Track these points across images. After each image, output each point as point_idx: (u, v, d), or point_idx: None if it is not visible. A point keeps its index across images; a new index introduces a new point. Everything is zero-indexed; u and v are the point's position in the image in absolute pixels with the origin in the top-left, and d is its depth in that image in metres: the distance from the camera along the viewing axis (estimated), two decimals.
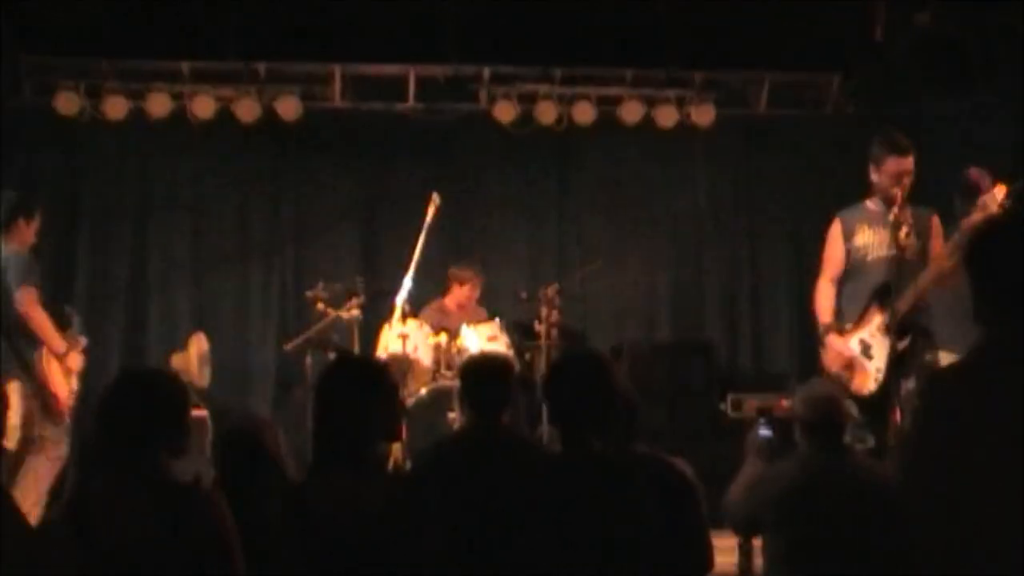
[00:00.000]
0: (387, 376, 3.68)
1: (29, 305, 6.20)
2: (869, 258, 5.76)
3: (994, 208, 5.30)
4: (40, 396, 6.14)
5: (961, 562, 2.45)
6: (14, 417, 5.96)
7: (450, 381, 7.09)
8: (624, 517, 3.39)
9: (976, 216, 5.31)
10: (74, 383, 6.33)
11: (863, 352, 5.65)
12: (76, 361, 6.35)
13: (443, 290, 8.00)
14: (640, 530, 3.37)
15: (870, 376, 5.59)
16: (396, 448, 6.58)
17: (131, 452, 3.20)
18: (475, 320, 7.61)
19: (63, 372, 6.27)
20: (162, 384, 3.35)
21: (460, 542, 3.68)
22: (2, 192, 6.53)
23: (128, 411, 3.23)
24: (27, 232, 6.44)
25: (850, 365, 5.64)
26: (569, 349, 7.49)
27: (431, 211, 7.35)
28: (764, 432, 4.49)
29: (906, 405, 5.30)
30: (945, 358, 5.88)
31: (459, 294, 7.93)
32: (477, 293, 7.99)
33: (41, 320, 6.24)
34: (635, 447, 3.54)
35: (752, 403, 7.49)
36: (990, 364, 2.51)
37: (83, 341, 6.54)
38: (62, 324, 6.45)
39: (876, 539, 3.80)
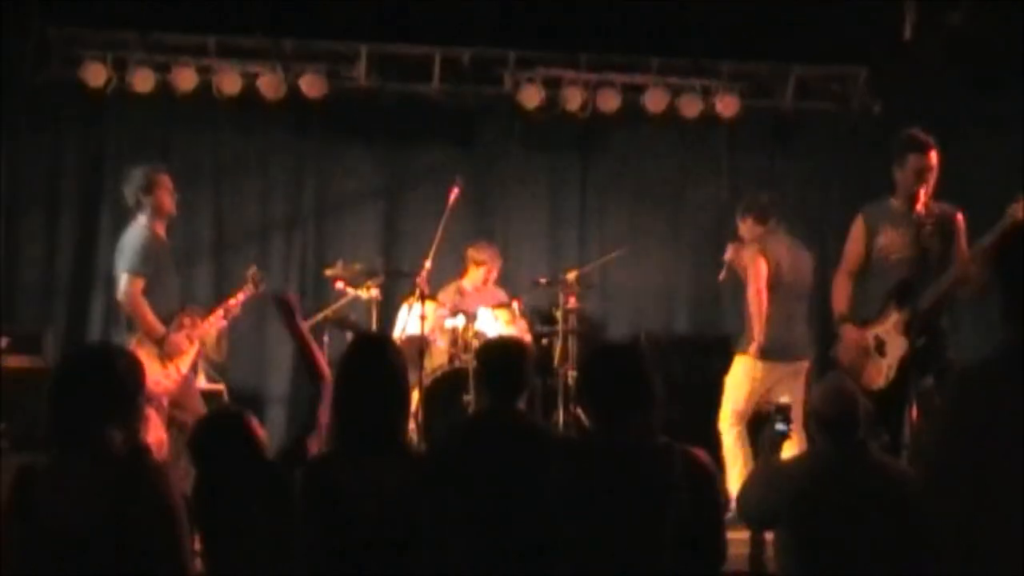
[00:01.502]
0: (401, 356, 3.70)
1: (127, 292, 6.33)
2: (892, 257, 5.78)
3: (1020, 215, 5.32)
4: None
5: (983, 560, 2.46)
6: None
7: (466, 363, 7.12)
8: (652, 505, 3.41)
9: (1005, 222, 5.33)
10: (178, 368, 6.37)
11: (877, 348, 5.67)
12: (174, 344, 6.37)
13: (461, 271, 8.02)
14: (666, 519, 3.39)
15: (881, 372, 5.61)
16: (411, 429, 6.61)
17: (77, 428, 3.18)
18: (493, 303, 7.63)
19: (159, 358, 6.33)
20: (110, 360, 3.32)
21: (477, 524, 3.70)
22: (132, 170, 6.59)
23: (74, 388, 3.22)
24: (156, 202, 6.46)
25: (863, 357, 5.66)
26: (602, 338, 7.52)
27: (453, 193, 7.36)
28: (780, 427, 4.50)
29: (923, 403, 5.32)
30: None
31: (476, 276, 7.94)
32: (495, 275, 8.00)
33: (135, 306, 6.34)
34: (658, 437, 3.56)
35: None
36: (1016, 364, 2.52)
37: (209, 321, 6.59)
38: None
39: (891, 535, 3.81)
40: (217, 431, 3.80)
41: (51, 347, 7.41)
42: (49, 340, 7.44)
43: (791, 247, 7.06)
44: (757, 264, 6.92)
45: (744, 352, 6.94)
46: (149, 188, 6.44)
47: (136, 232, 6.43)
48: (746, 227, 7.09)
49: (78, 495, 3.09)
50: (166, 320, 6.41)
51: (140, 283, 6.32)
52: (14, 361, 7.11)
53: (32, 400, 6.96)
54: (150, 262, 6.36)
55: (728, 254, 7.13)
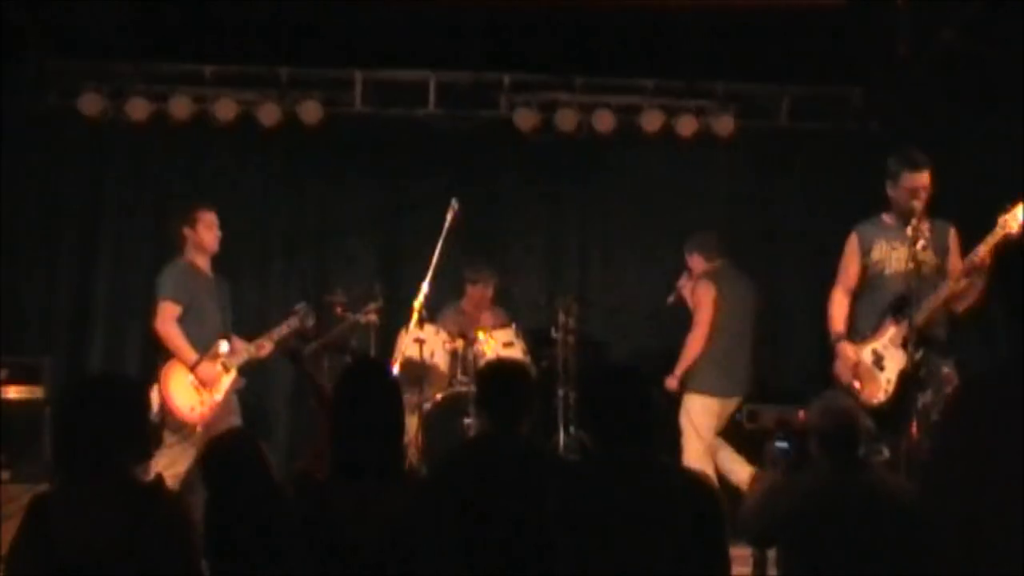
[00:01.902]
0: (396, 380, 3.71)
1: (160, 318, 6.55)
2: (886, 272, 5.80)
3: (1015, 227, 5.33)
4: (161, 406, 6.43)
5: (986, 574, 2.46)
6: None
7: (466, 387, 7.11)
8: (658, 525, 3.41)
9: (996, 235, 5.35)
10: (212, 395, 6.51)
11: (875, 363, 5.68)
12: (207, 372, 6.50)
13: (459, 294, 8.02)
14: (672, 539, 3.39)
15: (880, 387, 5.62)
16: (412, 452, 6.60)
17: (89, 458, 3.19)
18: (493, 324, 7.63)
19: (194, 384, 6.48)
20: (114, 389, 3.34)
21: (477, 549, 3.69)
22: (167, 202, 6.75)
23: (84, 419, 3.22)
24: (197, 238, 6.68)
25: (860, 374, 5.66)
26: (601, 359, 7.57)
27: (450, 217, 7.36)
28: (780, 445, 4.50)
29: (923, 418, 5.31)
30: None
31: (474, 294, 7.94)
32: (491, 292, 8.00)
33: (168, 334, 6.54)
34: (660, 458, 3.57)
35: (769, 415, 7.50)
36: (1018, 378, 2.52)
37: (248, 349, 6.73)
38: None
39: (892, 552, 3.80)
40: (226, 454, 3.84)
41: (50, 377, 7.40)
42: (48, 370, 7.43)
43: (736, 284, 7.30)
44: (708, 301, 7.20)
45: (702, 391, 7.06)
46: (192, 223, 6.69)
47: (174, 264, 6.69)
48: (693, 262, 7.43)
49: (93, 523, 3.11)
50: (203, 350, 6.53)
51: (173, 309, 6.54)
52: (13, 391, 7.12)
53: (31, 430, 7.01)
54: (184, 292, 6.56)
55: (681, 281, 7.30)
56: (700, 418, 7.12)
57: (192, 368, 6.48)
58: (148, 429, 3.37)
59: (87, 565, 3.06)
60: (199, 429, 6.41)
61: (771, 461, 4.57)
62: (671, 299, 7.55)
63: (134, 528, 3.09)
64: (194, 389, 6.48)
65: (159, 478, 3.34)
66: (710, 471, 6.81)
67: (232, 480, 3.71)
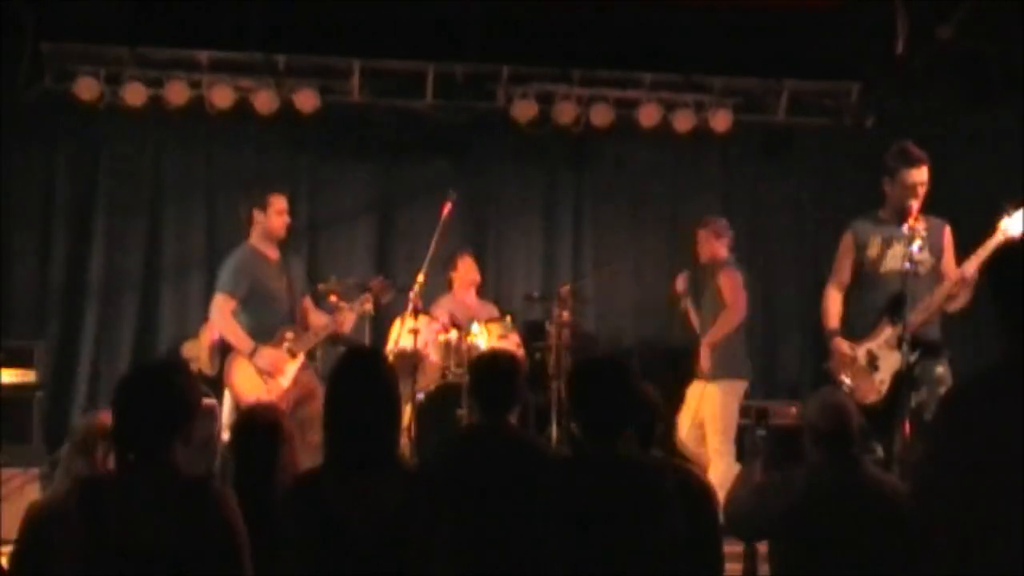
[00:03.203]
0: (392, 370, 3.70)
1: (214, 312, 6.65)
2: (881, 270, 5.78)
3: (1015, 232, 5.33)
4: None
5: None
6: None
7: (460, 378, 7.11)
8: (648, 520, 3.40)
9: (995, 237, 5.35)
10: (278, 382, 6.49)
11: (869, 363, 5.67)
12: (268, 359, 6.49)
13: (448, 284, 8.00)
14: (662, 535, 3.38)
15: (874, 387, 5.61)
16: (404, 444, 6.59)
17: (144, 443, 3.21)
18: (486, 317, 7.62)
19: (257, 372, 6.48)
20: (175, 377, 3.35)
21: (468, 540, 3.68)
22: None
23: (142, 405, 3.24)
24: (267, 223, 6.69)
25: (854, 373, 5.66)
26: (591, 352, 7.54)
27: (446, 209, 7.35)
28: (761, 433, 4.51)
29: (916, 418, 5.31)
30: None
31: (459, 276, 7.93)
32: (472, 277, 7.97)
33: (222, 327, 6.65)
34: (653, 452, 3.56)
35: (760, 410, 7.52)
36: (1012, 379, 2.52)
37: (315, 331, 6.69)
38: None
39: (884, 550, 3.80)
40: (253, 428, 3.94)
41: (42, 361, 7.39)
42: (40, 354, 7.41)
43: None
44: (741, 284, 7.18)
45: (741, 376, 7.04)
46: (264, 207, 6.71)
47: (237, 252, 6.73)
48: (716, 247, 7.29)
49: (144, 512, 3.12)
50: (270, 335, 6.52)
51: (227, 303, 6.58)
52: (5, 375, 7.10)
53: (23, 414, 7.00)
54: (244, 281, 6.58)
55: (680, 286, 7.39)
56: (735, 404, 7.07)
57: (251, 357, 6.47)
58: (197, 416, 3.38)
59: (138, 552, 3.07)
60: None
61: (752, 449, 4.57)
62: (680, 286, 7.46)
63: (184, 520, 3.11)
64: (259, 377, 6.47)
65: (210, 471, 3.37)
66: (733, 460, 6.79)
67: (267, 451, 3.78)
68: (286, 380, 6.53)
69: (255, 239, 6.74)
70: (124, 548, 3.08)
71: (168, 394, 3.26)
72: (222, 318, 6.61)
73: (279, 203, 6.77)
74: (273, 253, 6.77)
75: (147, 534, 3.09)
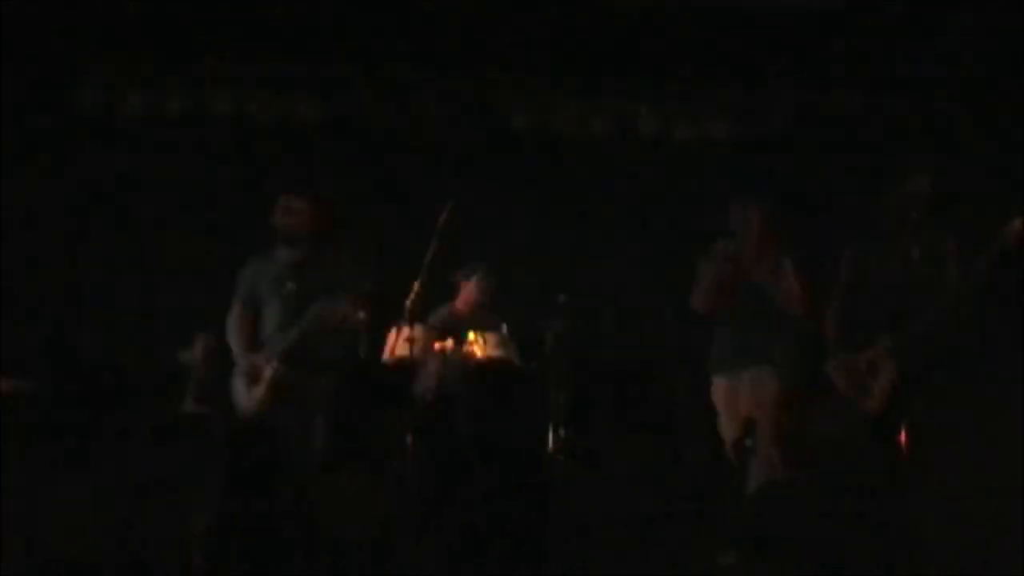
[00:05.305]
0: (394, 379, 3.70)
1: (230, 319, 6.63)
2: (884, 281, 5.78)
3: (1012, 239, 5.33)
4: None
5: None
6: None
7: (456, 387, 7.08)
8: None
9: (1002, 241, 5.35)
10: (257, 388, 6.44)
11: (870, 372, 5.66)
12: (247, 366, 6.50)
13: (452, 294, 7.99)
14: None
15: (875, 396, 5.60)
16: (400, 451, 6.58)
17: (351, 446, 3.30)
18: (484, 326, 7.60)
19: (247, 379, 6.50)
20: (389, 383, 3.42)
21: (463, 546, 3.67)
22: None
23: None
24: (276, 223, 6.62)
25: (854, 383, 5.66)
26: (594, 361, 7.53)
27: (443, 217, 7.34)
28: (748, 443, 4.52)
29: (914, 428, 5.31)
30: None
31: (467, 291, 7.92)
32: (484, 289, 7.95)
33: (230, 336, 6.61)
34: None
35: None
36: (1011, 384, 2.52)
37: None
38: None
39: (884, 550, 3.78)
40: (246, 445, 3.89)
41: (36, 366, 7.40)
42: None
43: None
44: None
45: None
46: (274, 209, 6.67)
47: (253, 257, 6.71)
48: (772, 242, 6.74)
49: (352, 511, 3.23)
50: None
51: (235, 308, 6.62)
52: None
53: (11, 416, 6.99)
54: (245, 287, 6.62)
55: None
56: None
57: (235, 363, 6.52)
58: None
59: (346, 550, 3.16)
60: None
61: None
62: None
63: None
64: (247, 384, 6.49)
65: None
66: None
67: (244, 473, 3.73)
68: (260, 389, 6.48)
69: (277, 242, 6.68)
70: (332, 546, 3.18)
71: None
72: (229, 322, 6.64)
73: (284, 201, 6.70)
74: (290, 256, 6.69)
75: (353, 532, 3.21)
